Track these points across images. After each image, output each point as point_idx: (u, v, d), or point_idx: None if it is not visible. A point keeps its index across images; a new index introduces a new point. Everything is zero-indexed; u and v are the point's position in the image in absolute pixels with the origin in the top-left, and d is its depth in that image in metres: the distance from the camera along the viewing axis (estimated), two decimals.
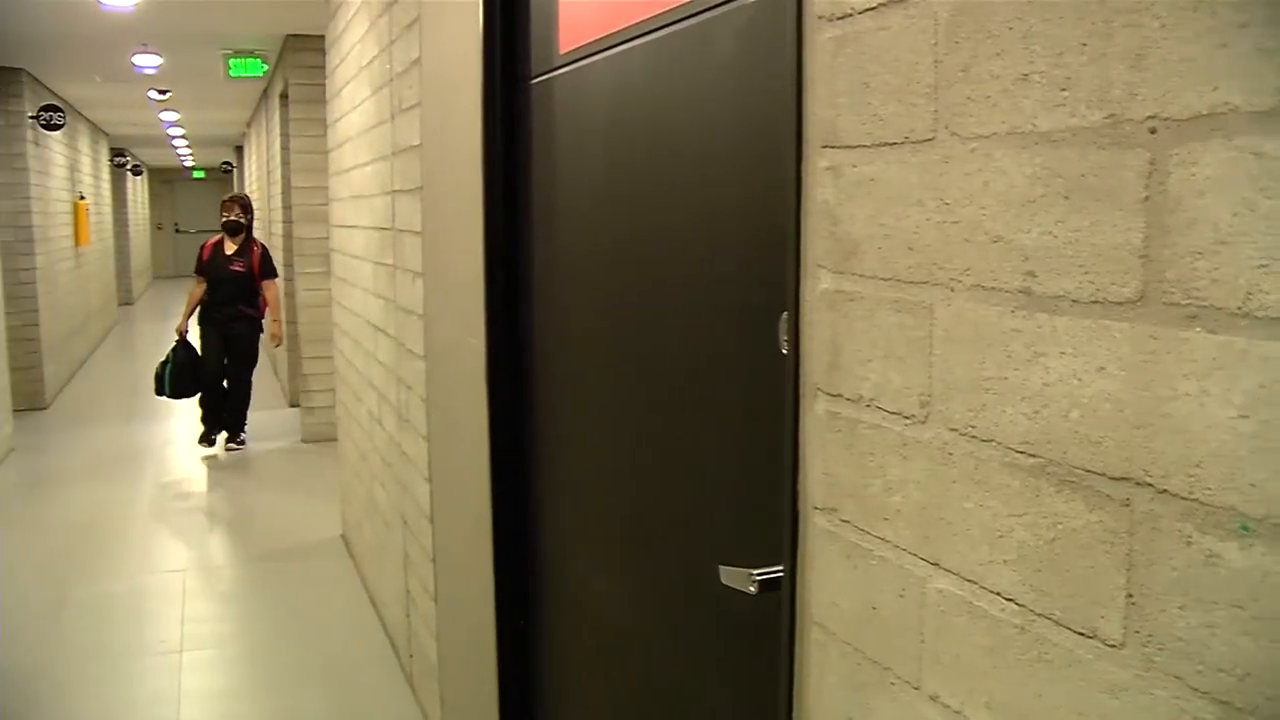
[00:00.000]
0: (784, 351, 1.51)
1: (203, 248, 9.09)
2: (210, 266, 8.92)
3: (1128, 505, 0.95)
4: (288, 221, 10.14)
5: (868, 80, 1.28)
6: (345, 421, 6.23)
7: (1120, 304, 0.95)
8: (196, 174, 31.22)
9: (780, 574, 1.53)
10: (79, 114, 15.01)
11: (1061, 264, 1.01)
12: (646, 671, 2.23)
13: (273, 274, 9.08)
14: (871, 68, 1.28)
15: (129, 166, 23.45)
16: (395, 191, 4.17)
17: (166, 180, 31.88)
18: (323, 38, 6.42)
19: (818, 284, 1.39)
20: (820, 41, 1.37)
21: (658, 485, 2.12)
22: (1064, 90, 0.99)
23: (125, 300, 21.96)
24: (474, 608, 3.23)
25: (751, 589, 1.58)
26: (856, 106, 1.31)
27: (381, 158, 4.45)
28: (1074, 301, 1.00)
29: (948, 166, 1.16)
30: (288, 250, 10.32)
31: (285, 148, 9.97)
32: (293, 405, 10.55)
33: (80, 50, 9.88)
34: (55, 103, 11.91)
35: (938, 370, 1.19)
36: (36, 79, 11.69)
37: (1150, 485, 0.93)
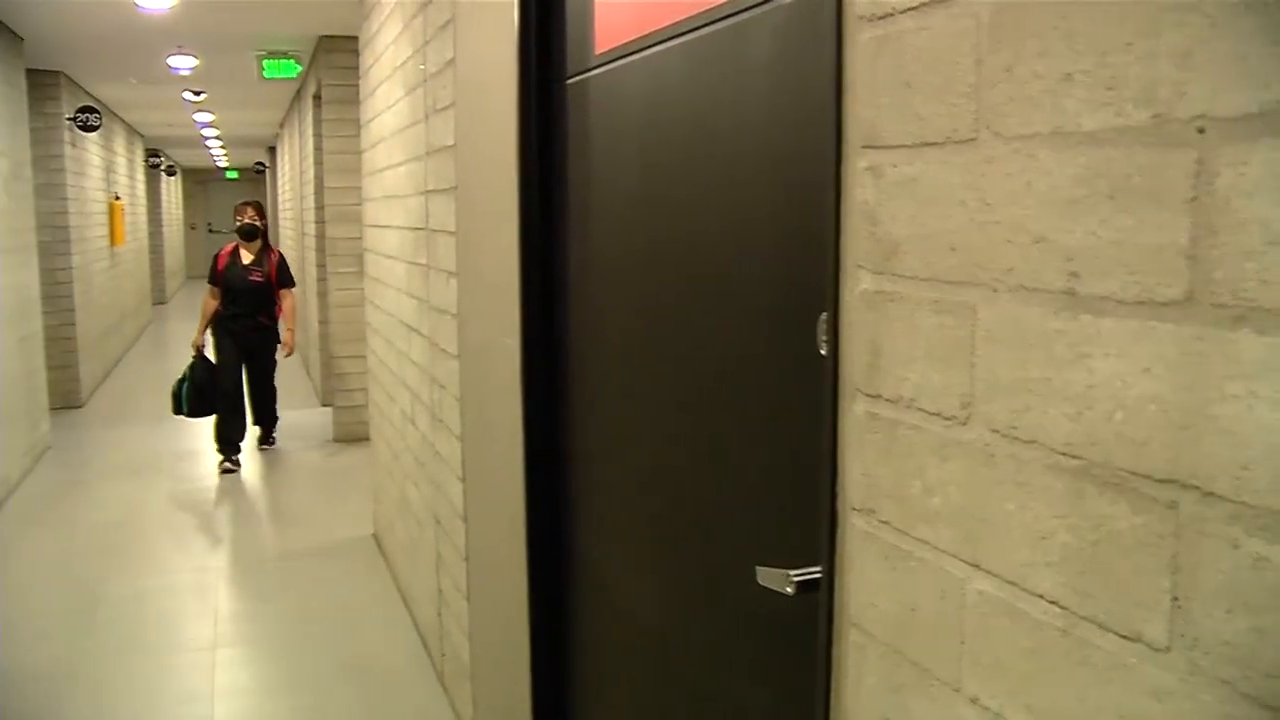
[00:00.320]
0: (822, 352, 1.51)
1: (216, 256, 8.64)
2: (227, 276, 8.48)
3: (1173, 508, 0.94)
4: (320, 221, 10.20)
5: (909, 80, 1.28)
6: (378, 421, 6.26)
7: (1166, 305, 0.94)
8: (230, 174, 31.43)
9: (818, 575, 1.53)
10: (115, 115, 15.14)
11: (1106, 265, 1.00)
12: (681, 672, 2.23)
13: (290, 282, 8.74)
14: (913, 68, 1.27)
15: (163, 167, 23.63)
16: (429, 191, 4.19)
17: (200, 181, 32.12)
18: (356, 38, 6.45)
19: (857, 284, 1.39)
20: (860, 41, 1.37)
21: (693, 485, 2.12)
22: (1109, 90, 0.99)
23: (159, 300, 22.14)
24: (507, 607, 3.24)
25: (789, 590, 1.58)
26: (897, 106, 1.30)
27: (415, 158, 4.47)
28: (1119, 302, 0.99)
29: (990, 167, 1.15)
30: (320, 250, 10.38)
31: (318, 148, 10.02)
32: (325, 405, 10.60)
33: (117, 52, 9.97)
34: (92, 104, 12.02)
35: (979, 371, 1.18)
36: (74, 81, 11.80)
37: (1196, 488, 0.92)
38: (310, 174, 11.04)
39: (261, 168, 26.75)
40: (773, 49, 1.75)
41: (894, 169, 1.31)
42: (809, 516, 1.57)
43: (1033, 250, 1.09)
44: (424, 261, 4.35)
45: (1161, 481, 0.95)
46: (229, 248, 8.62)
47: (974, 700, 1.22)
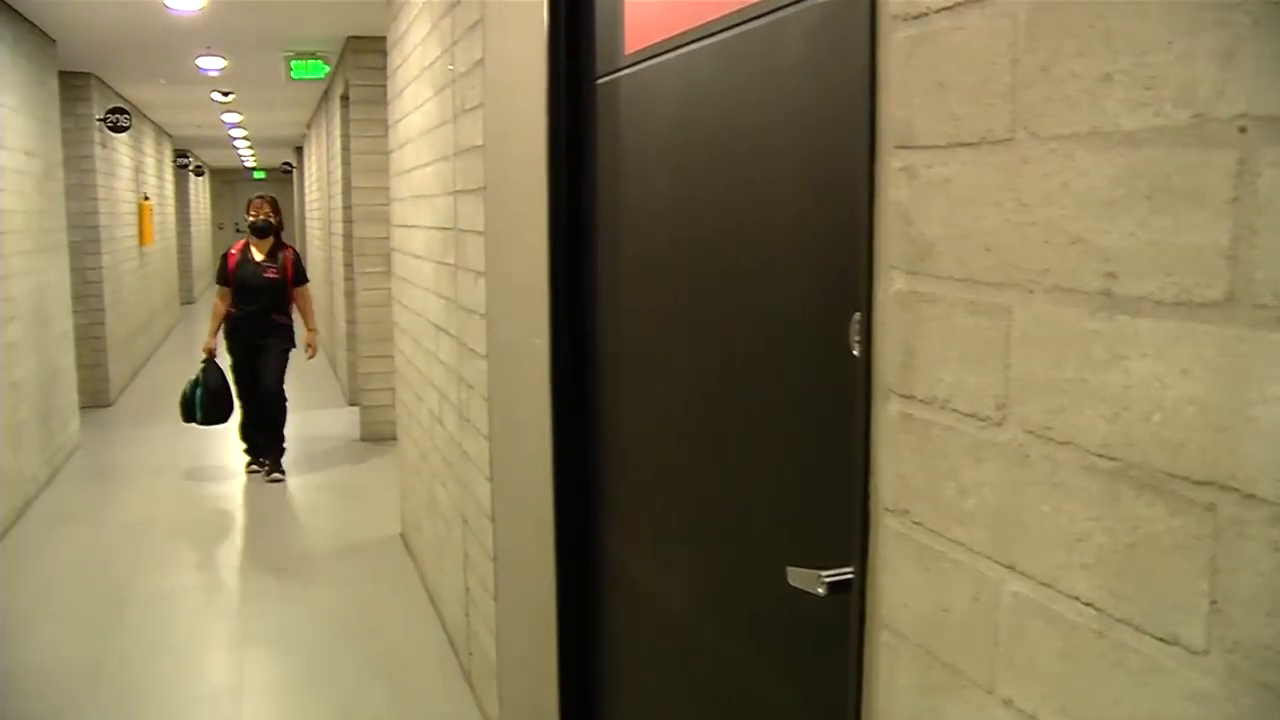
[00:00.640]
0: (855, 352, 1.51)
1: (225, 256, 8.15)
2: (239, 275, 7.98)
3: (1212, 510, 0.94)
4: (348, 221, 10.24)
5: (943, 80, 1.28)
6: (405, 420, 6.28)
7: (1205, 306, 0.93)
8: (257, 174, 31.60)
9: (850, 576, 1.53)
10: (144, 116, 15.25)
11: (1144, 265, 1.00)
12: (710, 672, 2.23)
13: (305, 280, 8.33)
14: (947, 68, 1.27)
15: (191, 167, 23.78)
16: (457, 192, 4.20)
17: (228, 181, 32.32)
18: (384, 39, 6.48)
19: (891, 285, 1.39)
20: (895, 41, 1.37)
21: (723, 485, 2.12)
22: (1148, 89, 0.98)
23: (187, 299, 22.27)
24: (535, 607, 3.24)
25: (821, 591, 1.58)
26: (931, 107, 1.30)
27: (443, 158, 4.49)
28: (1156, 303, 0.99)
29: (1026, 167, 1.15)
30: (347, 250, 10.42)
31: (346, 148, 10.07)
32: (351, 404, 10.65)
33: (146, 54, 10.05)
34: (122, 105, 12.11)
35: (1015, 372, 1.18)
36: (104, 82, 11.90)
37: (1236, 490, 0.91)
38: (338, 174, 11.10)
39: (289, 168, 26.88)
40: (805, 49, 1.74)
41: (928, 169, 1.31)
42: (841, 517, 1.57)
43: (1069, 251, 1.09)
44: (452, 261, 4.37)
45: (1200, 483, 0.95)
46: (238, 245, 8.19)
47: (1008, 703, 1.22)
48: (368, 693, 4.56)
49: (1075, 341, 1.09)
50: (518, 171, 3.22)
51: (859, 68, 1.46)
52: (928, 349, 1.33)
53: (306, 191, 18.74)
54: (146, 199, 14.93)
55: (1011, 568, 1.20)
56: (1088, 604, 1.09)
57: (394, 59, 6.03)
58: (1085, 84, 1.06)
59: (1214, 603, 0.94)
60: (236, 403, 8.07)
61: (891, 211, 1.38)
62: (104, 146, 11.69)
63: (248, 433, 8.29)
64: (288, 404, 8.22)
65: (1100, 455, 1.06)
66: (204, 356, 8.01)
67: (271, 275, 8.02)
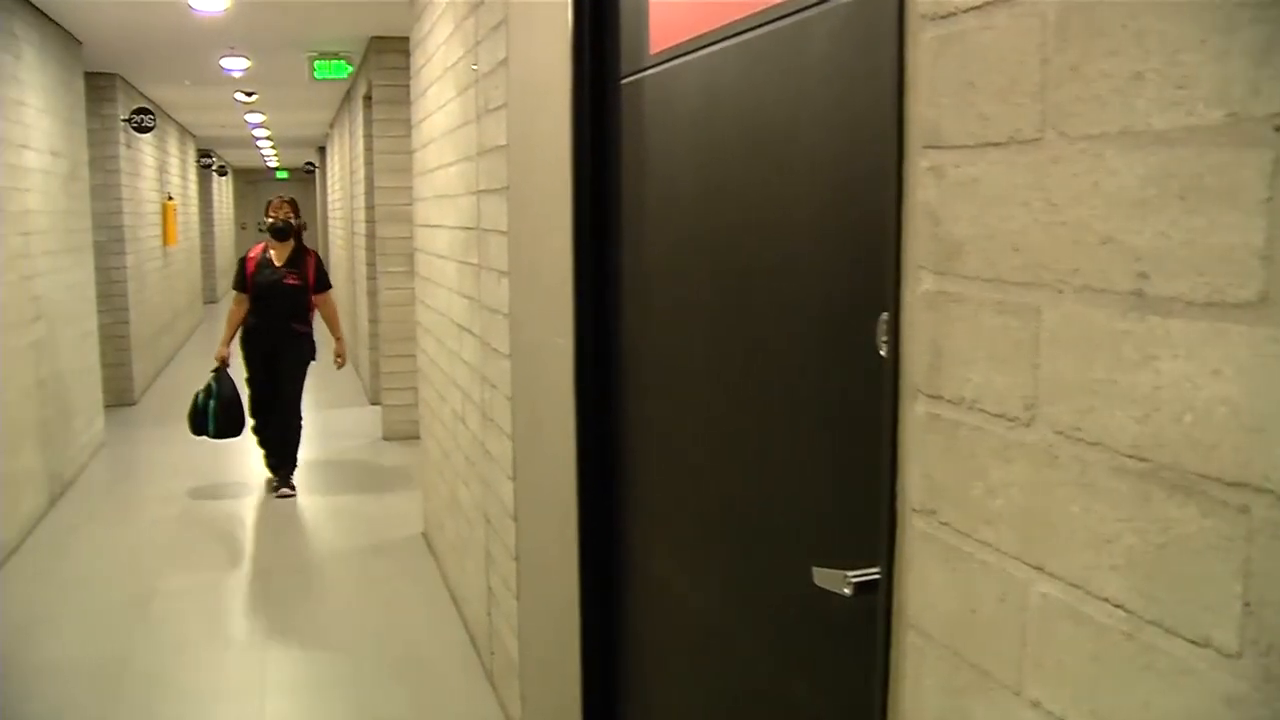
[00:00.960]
0: (882, 353, 1.50)
1: (244, 260, 7.66)
2: (258, 281, 7.51)
3: (1245, 512, 0.93)
4: (371, 221, 10.28)
5: (972, 80, 1.27)
6: (428, 419, 6.29)
7: (1238, 306, 0.93)
8: (280, 174, 31.75)
9: (877, 576, 1.53)
10: (168, 116, 15.35)
11: (1175, 265, 0.99)
12: (734, 673, 2.23)
13: (328, 286, 7.85)
14: (976, 67, 1.27)
15: (215, 167, 23.91)
16: (481, 191, 4.20)
17: (251, 181, 32.49)
18: (407, 39, 6.49)
19: (918, 285, 1.38)
20: (923, 41, 1.37)
21: (748, 485, 2.12)
22: (1181, 88, 0.98)
23: (210, 299, 22.38)
24: (557, 606, 3.25)
25: (847, 591, 1.58)
26: (960, 107, 1.29)
27: (467, 158, 4.49)
28: (1188, 304, 0.98)
29: (1055, 167, 1.14)
30: (370, 250, 10.46)
31: (369, 148, 10.10)
32: (374, 403, 10.68)
33: (171, 55, 10.11)
34: (146, 106, 12.18)
35: (1044, 372, 1.17)
36: (129, 83, 11.98)
37: (1270, 491, 0.91)
38: (360, 174, 11.13)
39: (311, 168, 26.99)
40: (832, 48, 1.74)
41: (956, 169, 1.30)
42: (867, 517, 1.57)
43: (1100, 251, 1.08)
44: (475, 261, 4.38)
45: (1232, 485, 0.94)
46: (257, 249, 7.70)
47: (1035, 704, 1.21)
48: (389, 692, 4.58)
49: (1105, 342, 1.08)
50: (542, 171, 3.22)
51: (886, 67, 1.45)
52: (955, 349, 1.32)
53: (329, 191, 18.80)
54: (170, 199, 15.02)
55: (1040, 569, 1.19)
56: (1117, 605, 1.08)
57: (417, 59, 6.05)
58: (1116, 83, 1.06)
59: (1247, 605, 0.93)
60: (248, 416, 7.69)
61: (919, 211, 1.38)
62: (128, 147, 11.76)
63: (268, 447, 7.86)
64: (303, 421, 7.89)
65: (1130, 456, 1.06)
66: (215, 365, 7.51)
67: (292, 282, 7.54)
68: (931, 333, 1.37)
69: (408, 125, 6.71)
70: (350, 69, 10.11)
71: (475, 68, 4.23)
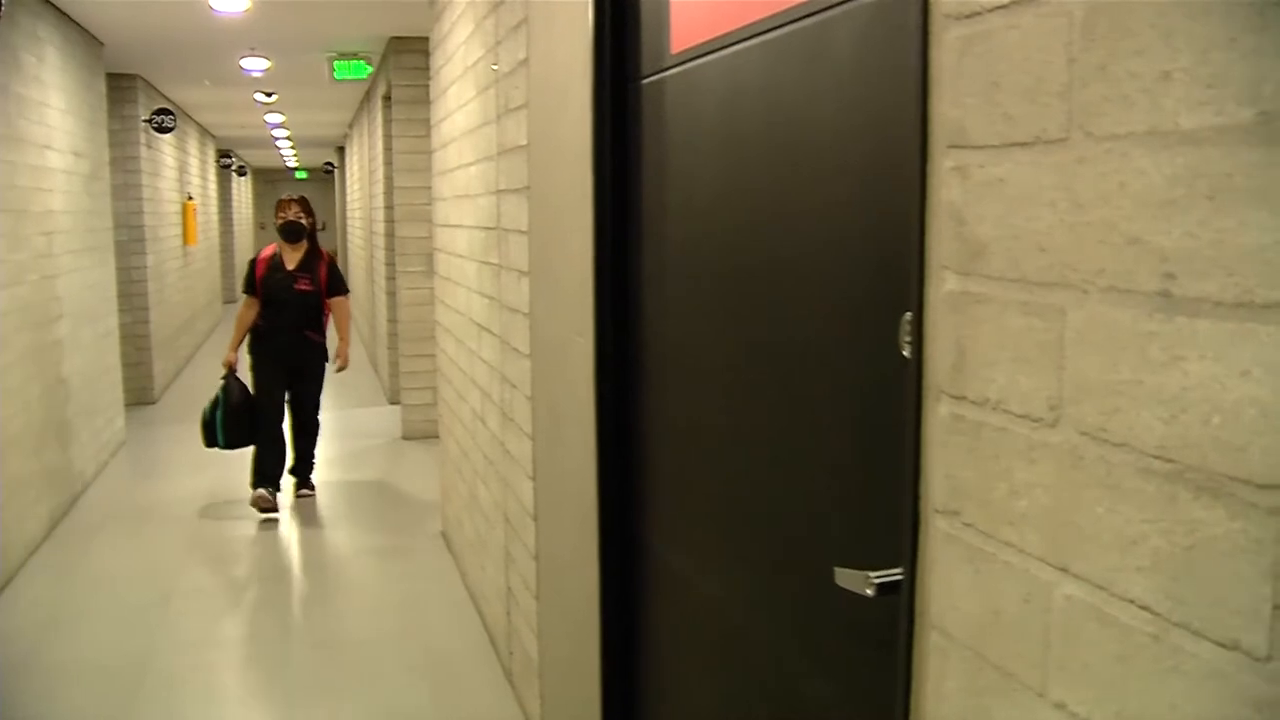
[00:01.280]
0: (905, 353, 1.50)
1: (254, 262, 7.29)
2: (268, 285, 7.16)
3: (1275, 514, 0.93)
4: (390, 221, 10.30)
5: (997, 80, 1.27)
6: (447, 419, 6.30)
7: (1268, 307, 0.92)
8: (299, 174, 31.85)
9: (899, 577, 1.52)
10: (188, 117, 15.41)
11: (1203, 266, 0.99)
12: (755, 673, 2.23)
13: (343, 289, 7.47)
14: (1001, 67, 1.26)
15: (234, 167, 24.01)
16: (501, 191, 4.21)
17: (270, 181, 32.59)
18: (427, 39, 6.51)
19: (942, 285, 1.38)
20: (947, 41, 1.36)
21: (770, 485, 2.12)
22: (1209, 88, 0.97)
23: (229, 298, 22.41)
24: (577, 606, 3.25)
25: (869, 592, 1.57)
26: (985, 106, 1.29)
27: (487, 158, 4.50)
28: (1216, 304, 0.98)
29: (1081, 167, 1.14)
30: (389, 250, 10.49)
31: (388, 148, 10.13)
32: (393, 403, 10.70)
33: (191, 55, 10.16)
34: (167, 106, 12.24)
35: (1069, 373, 1.17)
36: (150, 84, 12.03)
37: None
38: (380, 174, 11.17)
39: (330, 168, 27.07)
40: (855, 48, 1.74)
41: (981, 169, 1.30)
42: (889, 518, 1.57)
43: (1126, 251, 1.08)
44: (495, 261, 4.38)
45: (1262, 487, 0.94)
46: (268, 251, 7.33)
47: (1060, 706, 1.21)
48: (408, 691, 4.59)
49: (1131, 342, 1.08)
50: (562, 171, 3.23)
51: (910, 67, 1.45)
52: (979, 350, 1.32)
53: (349, 191, 18.85)
54: (190, 199, 15.08)
55: (1064, 570, 1.19)
56: (1143, 607, 1.08)
57: (436, 59, 6.06)
58: (1144, 83, 1.05)
59: (1276, 608, 0.92)
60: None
61: (943, 212, 1.38)
62: (149, 147, 11.82)
63: (261, 465, 7.25)
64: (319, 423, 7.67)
65: (1156, 457, 1.05)
66: (223, 372, 7.17)
67: (304, 287, 7.18)
68: (955, 333, 1.36)
69: (427, 125, 6.72)
70: (370, 69, 10.13)
71: (495, 68, 4.23)
